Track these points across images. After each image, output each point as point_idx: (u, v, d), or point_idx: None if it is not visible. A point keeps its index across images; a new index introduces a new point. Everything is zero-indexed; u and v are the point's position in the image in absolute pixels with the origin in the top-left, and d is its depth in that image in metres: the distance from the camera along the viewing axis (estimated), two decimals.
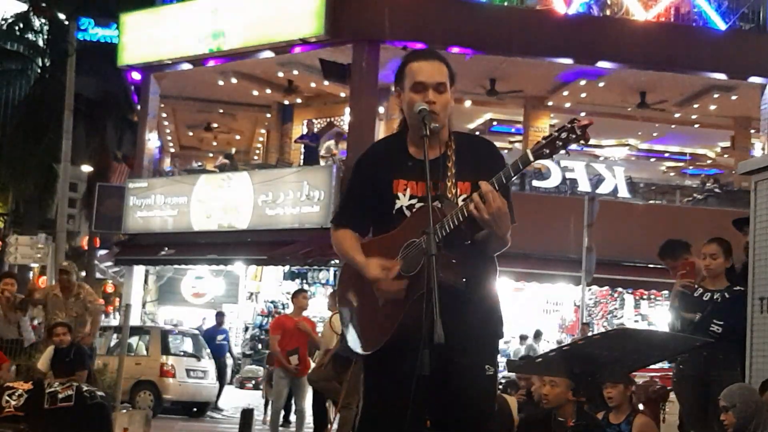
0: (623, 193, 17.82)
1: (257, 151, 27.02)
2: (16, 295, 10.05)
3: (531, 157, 2.87)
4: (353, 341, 3.25)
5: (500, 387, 8.09)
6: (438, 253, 2.82)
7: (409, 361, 2.85)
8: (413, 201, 3.17)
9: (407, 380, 2.88)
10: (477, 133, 23.10)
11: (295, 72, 20.02)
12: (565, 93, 20.18)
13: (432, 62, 3.20)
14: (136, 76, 21.17)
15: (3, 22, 30.14)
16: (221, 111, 24.17)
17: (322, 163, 19.14)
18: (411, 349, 2.83)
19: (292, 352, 10.18)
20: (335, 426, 9.01)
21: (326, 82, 19.62)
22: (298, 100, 22.26)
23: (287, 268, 20.64)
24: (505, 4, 18.94)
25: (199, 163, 26.35)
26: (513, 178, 2.94)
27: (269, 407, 10.75)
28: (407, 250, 3.04)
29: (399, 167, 3.21)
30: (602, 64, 18.30)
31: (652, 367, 7.76)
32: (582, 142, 2.83)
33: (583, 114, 21.36)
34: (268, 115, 23.84)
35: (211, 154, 28.18)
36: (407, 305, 3.01)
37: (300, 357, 10.28)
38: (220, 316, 17.69)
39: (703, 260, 6.00)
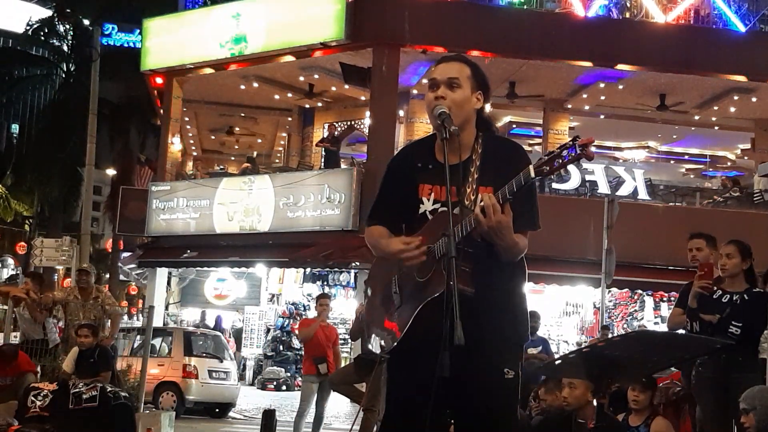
0: (643, 195, 17.75)
1: (278, 155, 27.17)
2: (41, 296, 10.22)
3: (532, 174, 2.81)
4: (374, 338, 3.30)
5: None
6: (454, 257, 2.81)
7: (426, 363, 2.84)
8: (436, 206, 3.15)
9: (426, 381, 2.85)
10: None
11: (316, 76, 20.16)
12: (585, 96, 20.17)
13: (448, 63, 3.21)
14: (158, 80, 21.37)
15: (28, 28, 30.58)
16: (243, 115, 24.34)
17: (343, 165, 19.25)
18: (428, 350, 2.82)
19: (319, 360, 10.26)
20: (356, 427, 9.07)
21: (347, 86, 19.73)
22: (319, 104, 22.40)
23: (308, 270, 20.77)
24: (525, 7, 18.95)
25: (221, 167, 26.53)
26: (516, 193, 2.87)
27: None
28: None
29: (425, 171, 3.20)
30: (621, 67, 18.29)
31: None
32: (584, 159, 2.73)
33: (602, 116, 21.37)
34: (290, 119, 23.98)
35: (232, 158, 28.38)
36: (418, 308, 3.01)
37: (328, 363, 10.37)
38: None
39: (720, 260, 6.00)
